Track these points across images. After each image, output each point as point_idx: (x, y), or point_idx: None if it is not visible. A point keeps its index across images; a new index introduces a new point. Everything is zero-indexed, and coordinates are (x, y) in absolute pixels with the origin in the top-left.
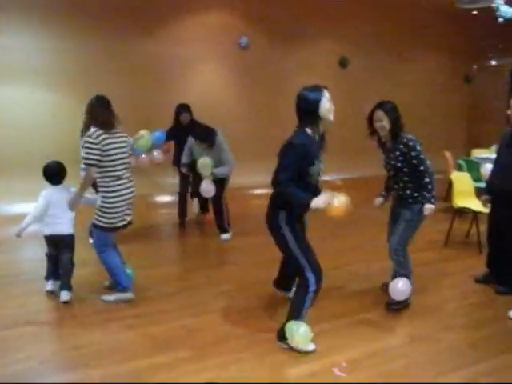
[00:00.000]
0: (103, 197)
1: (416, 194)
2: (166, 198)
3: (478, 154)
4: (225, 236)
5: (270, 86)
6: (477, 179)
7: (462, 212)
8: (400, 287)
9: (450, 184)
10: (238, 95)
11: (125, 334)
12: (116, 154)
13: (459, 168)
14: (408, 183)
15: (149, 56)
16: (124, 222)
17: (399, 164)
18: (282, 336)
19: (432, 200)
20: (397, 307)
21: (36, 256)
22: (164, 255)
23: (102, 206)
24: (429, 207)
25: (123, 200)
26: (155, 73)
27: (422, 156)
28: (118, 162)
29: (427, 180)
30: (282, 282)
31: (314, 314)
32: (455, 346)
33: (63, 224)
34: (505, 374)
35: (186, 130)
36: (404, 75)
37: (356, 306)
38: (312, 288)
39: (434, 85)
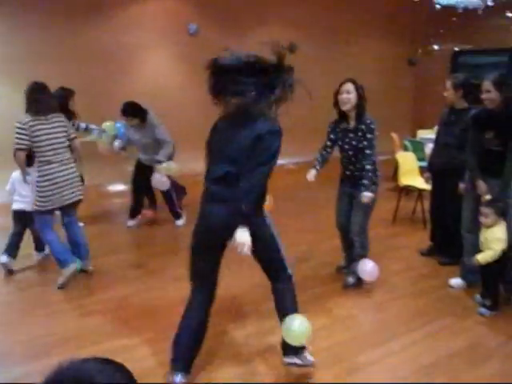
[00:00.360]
0: (37, 181)
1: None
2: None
3: (422, 134)
4: (179, 222)
5: None
6: (421, 159)
7: (408, 190)
8: (369, 269)
9: (396, 164)
10: (188, 82)
11: (86, 320)
12: (46, 140)
13: (405, 148)
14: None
15: (96, 43)
16: (60, 204)
17: (361, 144)
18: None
19: (371, 188)
20: (353, 287)
21: None
22: (122, 242)
23: (37, 190)
24: (367, 195)
25: (55, 183)
26: (103, 61)
27: (374, 142)
28: (48, 148)
29: (368, 167)
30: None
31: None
32: (403, 312)
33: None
34: (447, 334)
35: None
36: (351, 59)
37: (306, 283)
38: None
39: (380, 69)
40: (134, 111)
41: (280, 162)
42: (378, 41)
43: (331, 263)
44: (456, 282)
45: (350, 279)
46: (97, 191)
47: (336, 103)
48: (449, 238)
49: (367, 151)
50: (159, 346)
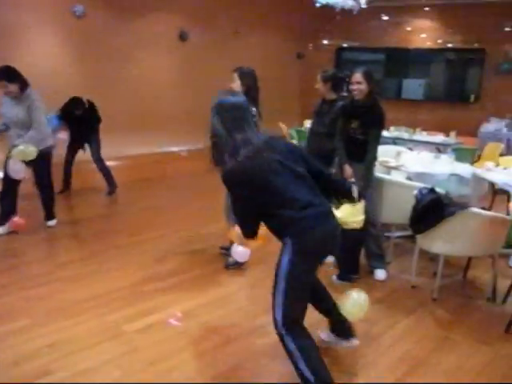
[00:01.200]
0: None
1: None
2: None
3: (308, 124)
4: (50, 223)
5: (109, 56)
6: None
7: None
8: (240, 250)
9: None
10: (74, 65)
11: None
12: None
13: (291, 137)
14: None
15: None
16: None
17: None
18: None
19: None
20: (233, 267)
21: None
22: None
23: None
24: None
25: None
26: None
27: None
28: None
29: None
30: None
31: (146, 278)
32: None
33: None
34: None
35: None
36: (241, 50)
37: (191, 264)
38: None
39: (269, 61)
40: (12, 75)
41: (172, 149)
42: (267, 33)
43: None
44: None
45: (230, 259)
46: None
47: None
48: None
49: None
50: (34, 333)
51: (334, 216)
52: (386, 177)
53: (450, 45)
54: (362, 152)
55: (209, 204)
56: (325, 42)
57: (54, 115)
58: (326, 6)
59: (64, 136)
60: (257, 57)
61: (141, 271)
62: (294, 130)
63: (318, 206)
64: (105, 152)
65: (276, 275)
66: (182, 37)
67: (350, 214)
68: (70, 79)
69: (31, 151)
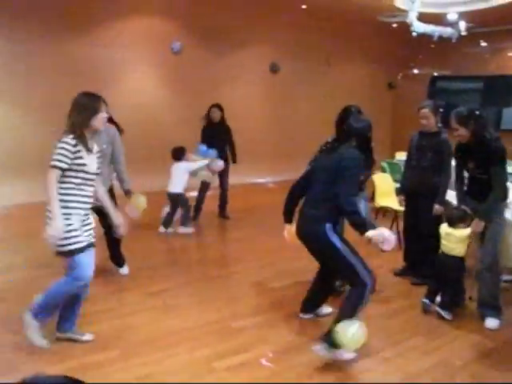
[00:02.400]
0: None
1: None
2: None
3: (400, 156)
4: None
5: (203, 91)
6: (398, 180)
7: (385, 211)
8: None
9: (373, 185)
10: (171, 100)
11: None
12: None
13: (383, 170)
14: None
15: (81, 59)
16: None
17: None
18: (327, 340)
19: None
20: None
21: None
22: None
23: None
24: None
25: None
26: (87, 76)
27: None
28: None
29: None
30: (313, 302)
31: (237, 312)
32: (375, 332)
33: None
34: (414, 354)
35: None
36: (332, 81)
37: (278, 301)
38: (368, 289)
39: (361, 91)
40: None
41: (260, 180)
42: (358, 64)
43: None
44: (436, 300)
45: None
46: None
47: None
48: (421, 258)
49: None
50: (124, 364)
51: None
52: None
53: None
54: (488, 191)
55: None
56: (416, 71)
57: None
58: (422, 35)
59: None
60: (348, 87)
61: (231, 305)
62: (386, 162)
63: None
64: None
65: None
66: (273, 68)
67: None
68: (164, 114)
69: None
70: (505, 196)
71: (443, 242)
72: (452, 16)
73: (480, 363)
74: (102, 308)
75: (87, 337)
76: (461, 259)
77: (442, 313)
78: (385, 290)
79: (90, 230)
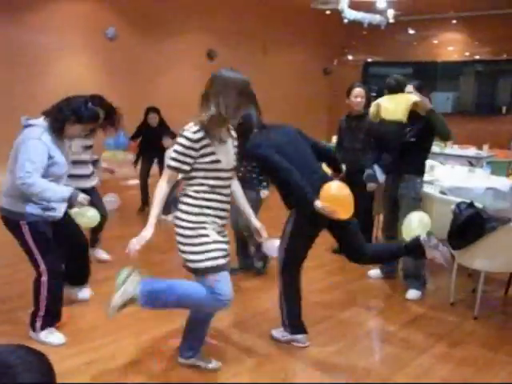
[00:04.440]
0: None
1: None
2: None
3: (335, 140)
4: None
5: (139, 77)
6: None
7: None
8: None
9: None
10: (106, 86)
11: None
12: None
13: None
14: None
15: (12, 43)
16: None
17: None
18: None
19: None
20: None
21: None
22: None
23: None
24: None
25: None
26: (18, 61)
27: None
28: None
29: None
30: None
31: None
32: (308, 306)
33: None
34: (349, 325)
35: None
36: (268, 67)
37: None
38: None
39: (297, 77)
40: None
41: None
42: (294, 50)
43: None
44: (374, 272)
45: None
46: None
47: None
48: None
49: None
50: (70, 351)
51: None
52: (427, 192)
53: (478, 57)
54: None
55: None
56: (351, 57)
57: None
58: (353, 22)
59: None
60: (284, 74)
61: None
62: None
63: None
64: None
65: None
66: (210, 55)
67: None
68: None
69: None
70: None
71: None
72: (380, 4)
73: (409, 328)
74: None
75: (213, 364)
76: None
77: None
78: (325, 266)
79: (226, 243)
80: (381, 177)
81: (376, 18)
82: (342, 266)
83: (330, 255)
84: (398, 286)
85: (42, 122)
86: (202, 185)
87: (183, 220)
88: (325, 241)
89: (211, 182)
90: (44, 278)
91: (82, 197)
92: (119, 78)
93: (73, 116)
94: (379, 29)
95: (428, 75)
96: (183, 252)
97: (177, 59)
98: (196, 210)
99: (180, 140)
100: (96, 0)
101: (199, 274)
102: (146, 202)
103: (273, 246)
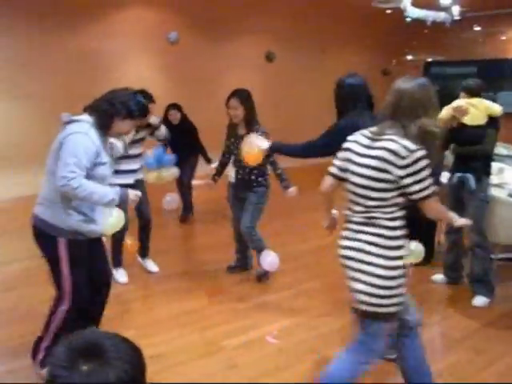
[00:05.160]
0: None
1: (260, 179)
2: None
3: None
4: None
5: (200, 80)
6: None
7: None
8: (270, 260)
9: None
10: (168, 90)
11: None
12: None
13: None
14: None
15: (76, 50)
16: None
17: None
18: None
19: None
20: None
21: None
22: None
23: None
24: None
25: None
26: (83, 67)
27: None
28: None
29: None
30: None
31: (245, 294)
32: None
33: None
34: None
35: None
36: (326, 68)
37: (285, 283)
38: None
39: None
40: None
41: None
42: (352, 50)
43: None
44: (438, 278)
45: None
46: None
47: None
48: (419, 240)
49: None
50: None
51: None
52: (495, 194)
53: None
54: None
55: (292, 223)
56: (410, 57)
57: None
58: (416, 21)
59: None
60: (343, 74)
61: (236, 288)
62: None
63: None
64: None
65: None
66: (269, 57)
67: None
68: (162, 104)
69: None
70: None
71: None
72: (445, 1)
73: (478, 336)
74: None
75: None
76: None
77: None
78: None
79: None
80: (444, 179)
81: (440, 16)
82: None
83: None
84: (463, 292)
85: (86, 117)
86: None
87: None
88: None
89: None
90: (64, 308)
91: (134, 194)
92: (181, 82)
93: (123, 110)
94: (442, 27)
95: (494, 74)
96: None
97: (236, 61)
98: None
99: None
100: (157, 5)
101: (377, 319)
102: (187, 210)
103: (265, 260)
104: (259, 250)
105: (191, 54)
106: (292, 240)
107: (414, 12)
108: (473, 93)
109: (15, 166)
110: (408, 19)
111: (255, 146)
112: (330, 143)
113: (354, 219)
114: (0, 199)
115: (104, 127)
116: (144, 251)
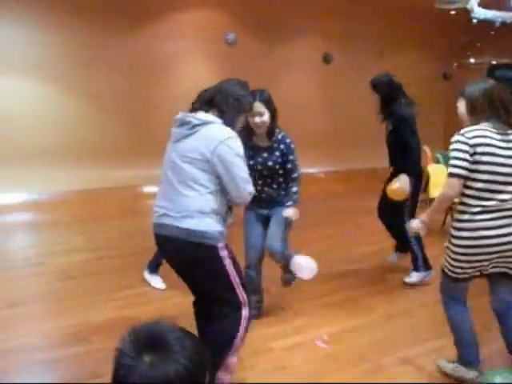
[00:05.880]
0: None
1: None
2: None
3: None
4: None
5: (257, 81)
6: None
7: None
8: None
9: (427, 176)
10: None
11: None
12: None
13: (437, 161)
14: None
15: (136, 51)
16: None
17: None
18: None
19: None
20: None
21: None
22: None
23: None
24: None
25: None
26: (143, 68)
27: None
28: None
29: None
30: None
31: (296, 297)
32: (429, 320)
33: None
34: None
35: None
36: (386, 71)
37: (335, 287)
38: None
39: (414, 81)
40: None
41: (312, 171)
42: (412, 53)
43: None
44: None
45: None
46: None
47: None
48: None
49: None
50: None
51: None
52: None
53: None
54: None
55: (351, 226)
56: (473, 60)
57: None
58: (483, 22)
59: None
60: (401, 77)
61: (286, 290)
62: (440, 153)
63: None
64: None
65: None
66: (326, 59)
67: None
68: None
69: None
70: None
71: None
72: None
73: None
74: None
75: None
76: None
77: None
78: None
79: None
80: None
81: (510, 16)
82: None
83: None
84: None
85: (213, 117)
86: None
87: None
88: (438, 253)
89: None
90: (245, 312)
91: None
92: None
93: (247, 105)
94: (510, 28)
95: None
96: None
97: (293, 63)
98: None
99: None
100: (215, 6)
101: None
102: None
103: (300, 265)
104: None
105: (249, 56)
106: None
107: (481, 13)
108: None
109: (79, 161)
110: (474, 20)
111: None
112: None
113: (507, 206)
114: (61, 192)
115: (232, 125)
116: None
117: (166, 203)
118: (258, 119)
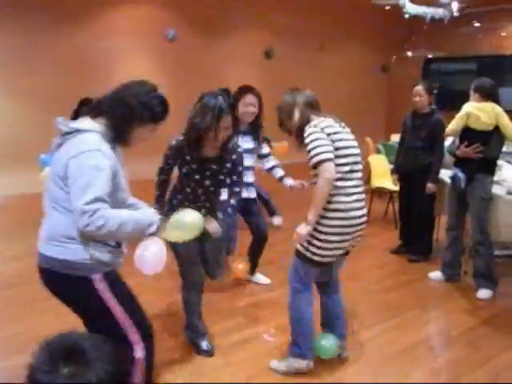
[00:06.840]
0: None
1: None
2: None
3: (395, 138)
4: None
5: (199, 77)
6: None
7: (381, 192)
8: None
9: (369, 167)
10: (168, 88)
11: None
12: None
13: (378, 152)
14: None
15: (75, 48)
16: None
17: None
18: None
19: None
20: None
21: None
22: None
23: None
24: None
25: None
26: (81, 65)
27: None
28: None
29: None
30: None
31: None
32: (374, 305)
33: None
34: (412, 326)
35: None
36: (325, 64)
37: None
38: None
39: (354, 74)
40: None
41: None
42: (352, 47)
43: None
44: (435, 275)
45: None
46: None
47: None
48: (417, 237)
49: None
50: None
51: None
52: (493, 192)
53: None
54: None
55: None
56: (410, 53)
57: None
58: (414, 17)
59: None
60: (342, 71)
61: (235, 286)
62: (381, 144)
63: None
64: None
65: None
66: (268, 54)
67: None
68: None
69: None
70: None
71: None
72: None
73: (475, 332)
74: None
75: None
76: None
77: None
78: (383, 268)
79: None
80: (463, 183)
81: (439, 12)
82: (402, 267)
83: (389, 256)
84: (460, 289)
85: (92, 124)
86: None
87: None
88: (381, 241)
89: None
90: (140, 355)
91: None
92: (179, 79)
93: (146, 112)
94: (441, 23)
95: (494, 70)
96: None
97: (235, 58)
98: None
99: None
100: (155, 2)
101: None
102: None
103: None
104: None
105: (189, 51)
106: None
107: (412, 8)
108: (486, 95)
109: (15, 164)
110: (406, 16)
111: None
112: None
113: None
114: None
115: (120, 136)
116: (254, 268)
117: (41, 228)
118: (251, 108)
